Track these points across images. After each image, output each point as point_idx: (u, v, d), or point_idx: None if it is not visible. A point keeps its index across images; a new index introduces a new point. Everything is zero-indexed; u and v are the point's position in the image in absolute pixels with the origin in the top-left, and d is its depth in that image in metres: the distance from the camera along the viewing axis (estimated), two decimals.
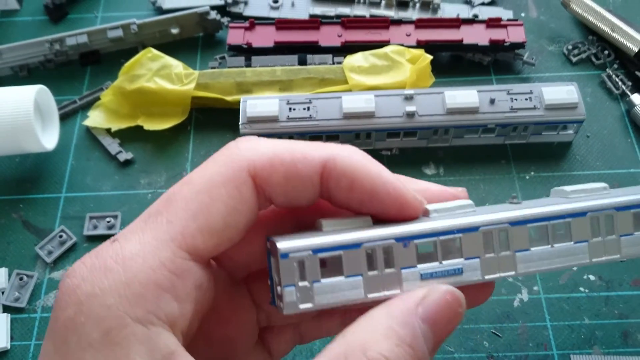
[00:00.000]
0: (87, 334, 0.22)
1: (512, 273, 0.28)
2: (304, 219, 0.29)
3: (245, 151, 0.26)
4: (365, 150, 0.49)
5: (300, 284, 0.25)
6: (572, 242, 0.29)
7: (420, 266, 0.26)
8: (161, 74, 0.51)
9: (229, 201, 0.25)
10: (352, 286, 0.26)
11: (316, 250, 0.25)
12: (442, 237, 0.27)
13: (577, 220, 0.28)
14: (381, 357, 0.24)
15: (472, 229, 0.27)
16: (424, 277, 0.26)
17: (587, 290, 0.43)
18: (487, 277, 0.27)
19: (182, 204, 0.25)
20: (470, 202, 0.28)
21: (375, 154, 0.50)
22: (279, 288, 0.25)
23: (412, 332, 0.25)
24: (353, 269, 0.25)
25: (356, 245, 0.25)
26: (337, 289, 0.25)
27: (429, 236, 0.26)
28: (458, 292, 0.26)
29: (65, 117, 0.53)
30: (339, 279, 0.25)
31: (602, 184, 0.31)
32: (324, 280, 0.25)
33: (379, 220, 0.27)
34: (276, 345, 0.31)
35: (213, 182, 0.25)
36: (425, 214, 0.27)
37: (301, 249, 0.25)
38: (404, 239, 0.26)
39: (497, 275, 0.27)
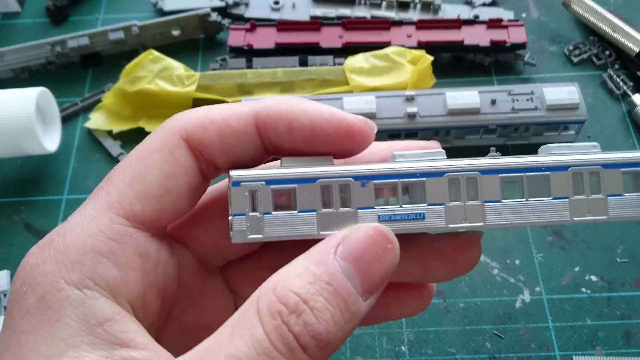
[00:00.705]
0: (25, 301, 0.23)
1: (481, 224, 0.25)
2: None
3: (178, 119, 0.26)
4: None
5: (251, 214, 0.24)
6: (550, 198, 0.26)
7: (378, 207, 0.25)
8: (162, 76, 0.51)
9: (163, 166, 0.25)
10: (305, 221, 0.25)
11: (269, 182, 0.24)
12: (403, 180, 0.25)
13: (558, 174, 0.26)
14: (289, 292, 0.23)
15: (437, 174, 0.25)
16: (382, 218, 0.25)
17: (589, 291, 0.43)
18: (451, 225, 0.25)
19: (119, 175, 0.25)
20: (441, 150, 0.27)
21: None
22: (230, 217, 0.24)
23: (328, 270, 0.23)
24: (307, 204, 0.25)
25: (311, 179, 0.25)
26: (288, 223, 0.25)
27: (389, 177, 0.25)
28: (384, 228, 0.25)
29: (66, 119, 0.53)
30: (292, 212, 0.25)
31: (593, 143, 0.27)
32: (276, 213, 0.24)
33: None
34: None
35: (147, 151, 0.25)
36: (392, 159, 0.26)
37: (254, 179, 0.24)
38: (363, 178, 0.25)
39: (463, 224, 0.25)
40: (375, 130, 0.26)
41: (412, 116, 0.47)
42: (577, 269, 0.44)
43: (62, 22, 0.59)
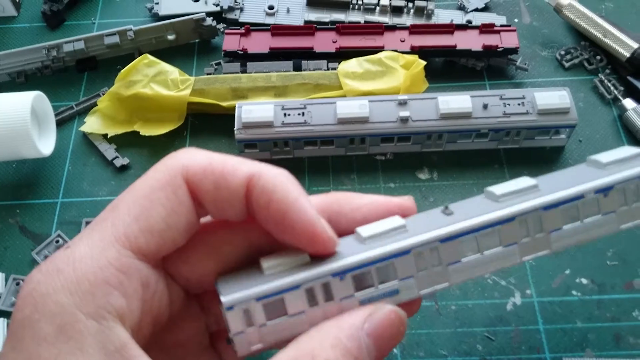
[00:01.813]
0: (41, 329, 0.24)
1: (446, 284, 0.29)
2: (253, 240, 0.30)
3: (182, 159, 0.28)
4: (359, 156, 0.50)
5: (248, 330, 0.27)
6: (501, 247, 0.30)
7: (357, 294, 0.28)
8: (157, 80, 0.51)
9: (167, 203, 0.27)
10: (297, 322, 0.28)
11: (259, 298, 0.27)
12: (376, 266, 0.28)
13: (506, 226, 0.29)
14: None
15: (404, 253, 0.28)
16: (363, 302, 0.28)
17: (579, 294, 0.43)
18: (422, 292, 0.29)
19: (125, 209, 0.27)
20: (401, 221, 0.29)
21: (370, 158, 0.50)
22: (230, 336, 0.27)
23: (357, 345, 0.27)
24: (296, 308, 0.27)
25: (296, 287, 0.27)
26: (283, 327, 0.27)
27: (363, 266, 0.28)
28: (401, 312, 0.28)
29: (62, 123, 0.53)
30: (284, 318, 0.27)
31: (532, 182, 0.31)
32: (270, 322, 0.27)
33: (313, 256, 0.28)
34: (227, 349, 0.32)
35: (152, 187, 0.27)
36: (360, 239, 0.29)
37: (245, 299, 0.27)
38: (340, 274, 0.28)
39: (431, 289, 0.29)
40: (335, 248, 0.28)
41: (404, 120, 0.48)
42: (567, 271, 0.44)
43: (58, 26, 0.60)
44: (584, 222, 0.31)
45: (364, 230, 0.29)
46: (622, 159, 0.33)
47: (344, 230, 0.30)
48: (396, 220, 0.29)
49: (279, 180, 0.28)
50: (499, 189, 0.31)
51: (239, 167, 0.27)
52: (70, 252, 0.26)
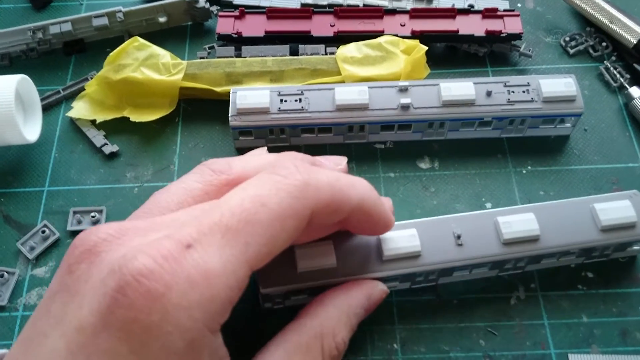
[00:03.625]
0: (172, 342, 0.24)
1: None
2: None
3: (313, 190, 0.30)
4: (358, 144, 0.48)
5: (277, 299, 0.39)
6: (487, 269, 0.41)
7: None
8: (148, 64, 0.49)
9: (292, 233, 0.29)
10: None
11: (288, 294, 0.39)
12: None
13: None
14: (342, 343, 0.34)
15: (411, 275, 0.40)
16: None
17: (585, 288, 0.42)
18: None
19: (259, 229, 0.27)
20: (418, 248, 0.39)
21: (369, 147, 0.48)
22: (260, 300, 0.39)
23: (357, 320, 0.36)
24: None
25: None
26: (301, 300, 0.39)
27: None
28: (387, 291, 0.38)
29: (48, 108, 0.51)
30: (304, 296, 0.39)
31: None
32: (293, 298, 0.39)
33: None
34: None
35: (286, 214, 0.28)
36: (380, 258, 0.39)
37: (277, 293, 0.38)
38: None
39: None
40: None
41: (405, 107, 0.46)
42: (572, 265, 0.43)
43: (44, 7, 0.57)
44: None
45: (387, 251, 0.38)
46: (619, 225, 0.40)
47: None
48: (415, 246, 0.39)
49: (373, 202, 0.34)
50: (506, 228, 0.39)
51: (350, 196, 0.32)
52: (200, 258, 0.25)
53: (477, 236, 0.40)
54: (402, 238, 0.39)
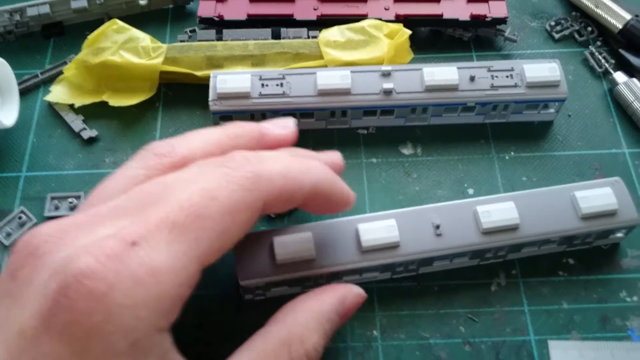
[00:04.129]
0: (114, 344, 0.23)
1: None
2: None
3: (265, 182, 0.29)
4: (340, 129, 0.48)
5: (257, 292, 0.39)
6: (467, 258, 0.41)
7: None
8: (127, 47, 0.48)
9: (244, 225, 0.28)
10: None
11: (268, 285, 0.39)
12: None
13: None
14: (313, 350, 0.31)
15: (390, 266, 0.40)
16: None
17: (566, 274, 0.42)
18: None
19: (210, 223, 0.27)
20: (397, 238, 0.38)
21: (351, 132, 0.48)
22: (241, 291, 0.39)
23: (331, 326, 0.33)
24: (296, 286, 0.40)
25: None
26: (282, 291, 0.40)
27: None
28: (364, 294, 0.36)
29: (26, 92, 0.50)
30: (284, 288, 0.39)
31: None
32: (274, 289, 0.39)
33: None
34: None
35: (237, 207, 0.28)
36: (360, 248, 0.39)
37: (257, 285, 0.38)
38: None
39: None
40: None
41: (388, 92, 0.45)
42: (554, 252, 0.42)
43: None
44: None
45: (365, 242, 0.38)
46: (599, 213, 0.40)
47: None
48: (394, 237, 0.38)
49: (331, 182, 0.34)
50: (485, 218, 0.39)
51: (304, 183, 0.31)
52: (146, 256, 0.24)
53: (456, 226, 0.39)
54: (380, 229, 0.39)
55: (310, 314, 0.32)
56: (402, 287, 0.41)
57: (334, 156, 0.38)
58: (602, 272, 0.42)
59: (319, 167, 0.33)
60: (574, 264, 0.42)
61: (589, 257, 0.42)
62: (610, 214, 0.40)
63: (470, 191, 0.45)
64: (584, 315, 0.40)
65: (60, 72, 0.50)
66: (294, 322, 0.32)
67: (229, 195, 0.27)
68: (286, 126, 0.38)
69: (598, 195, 0.40)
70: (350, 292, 0.35)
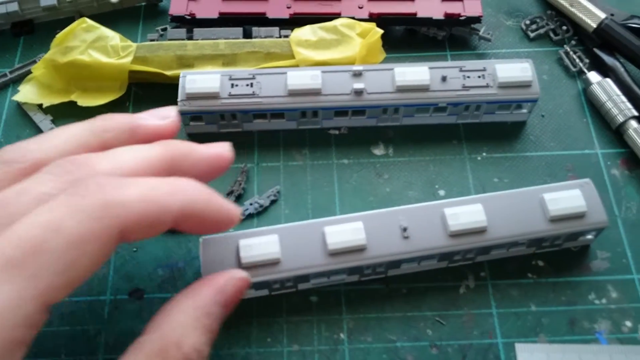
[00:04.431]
0: None
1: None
2: None
3: (119, 209, 0.27)
4: (312, 130, 0.47)
5: None
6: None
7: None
8: (96, 46, 0.48)
9: (96, 257, 0.26)
10: None
11: None
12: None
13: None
14: (193, 351, 0.29)
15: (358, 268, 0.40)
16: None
17: (535, 277, 0.42)
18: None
19: (50, 258, 0.24)
20: (364, 242, 0.38)
21: (323, 133, 0.47)
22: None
23: (213, 318, 0.31)
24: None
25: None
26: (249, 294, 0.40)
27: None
28: (247, 277, 0.34)
29: None
30: (251, 291, 0.40)
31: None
32: None
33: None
34: None
35: (85, 238, 0.25)
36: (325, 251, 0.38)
37: None
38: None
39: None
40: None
41: (359, 93, 0.45)
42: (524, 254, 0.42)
43: None
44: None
45: (331, 245, 0.38)
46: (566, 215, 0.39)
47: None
48: (360, 239, 0.38)
49: (204, 201, 0.31)
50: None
51: (169, 204, 0.29)
52: None
53: (423, 228, 0.39)
54: (347, 231, 0.38)
55: (186, 313, 0.30)
56: (370, 290, 0.41)
57: (220, 148, 0.35)
58: (571, 275, 0.42)
59: (190, 185, 0.31)
60: (543, 266, 0.42)
61: (558, 259, 0.42)
62: (579, 216, 0.40)
63: (442, 192, 0.45)
64: (552, 318, 0.40)
65: (30, 72, 0.50)
66: (169, 326, 0.29)
67: (74, 227, 0.25)
68: (166, 116, 0.35)
69: (567, 197, 0.40)
70: (230, 279, 0.33)
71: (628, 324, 0.40)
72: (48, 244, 0.24)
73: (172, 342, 0.28)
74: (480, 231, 0.39)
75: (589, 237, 0.41)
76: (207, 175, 0.34)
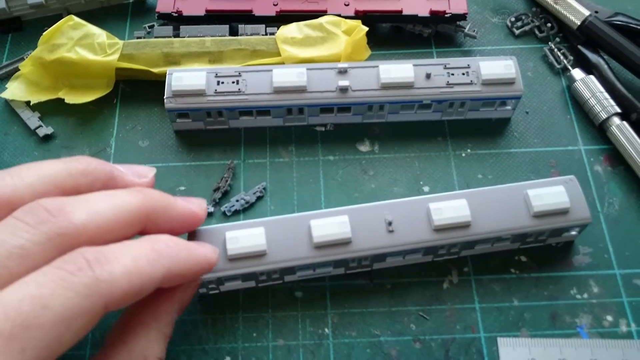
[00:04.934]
0: None
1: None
2: None
3: (106, 286, 0.27)
4: (298, 126, 0.48)
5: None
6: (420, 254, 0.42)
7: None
8: (83, 44, 0.48)
9: (81, 332, 0.27)
10: None
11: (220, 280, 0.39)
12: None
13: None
14: None
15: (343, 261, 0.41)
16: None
17: (517, 272, 0.42)
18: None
19: (39, 333, 0.25)
20: (349, 235, 0.39)
21: (309, 129, 0.48)
22: None
23: (172, 327, 0.33)
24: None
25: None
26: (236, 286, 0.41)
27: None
28: (197, 282, 0.36)
29: None
30: (238, 282, 0.41)
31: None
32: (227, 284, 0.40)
33: None
34: None
35: (73, 315, 0.26)
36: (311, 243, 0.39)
37: (209, 279, 0.39)
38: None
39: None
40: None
41: (344, 90, 0.45)
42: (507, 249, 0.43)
43: None
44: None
45: (317, 238, 0.38)
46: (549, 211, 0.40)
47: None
48: (345, 233, 0.38)
49: (183, 257, 0.32)
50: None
51: (154, 275, 0.29)
52: None
53: (408, 222, 0.39)
54: (333, 225, 0.39)
55: (149, 327, 0.32)
56: (354, 285, 0.41)
57: (196, 206, 0.36)
58: (553, 270, 0.42)
59: (169, 247, 0.31)
60: (526, 261, 0.42)
61: (541, 255, 0.43)
62: (562, 212, 0.40)
63: (426, 189, 0.45)
64: (534, 313, 0.41)
65: (17, 69, 0.50)
66: (134, 340, 0.31)
67: (63, 304, 0.25)
68: (143, 175, 0.36)
69: (550, 194, 0.40)
70: (186, 290, 0.35)
71: (609, 318, 0.40)
72: (37, 320, 0.25)
73: (140, 356, 0.30)
74: (465, 226, 0.39)
75: (573, 233, 0.42)
76: (179, 231, 0.35)
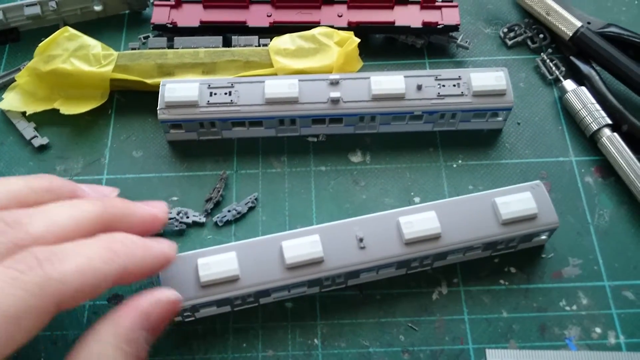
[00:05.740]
0: None
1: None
2: None
3: (57, 285, 0.27)
4: (290, 137, 0.48)
5: None
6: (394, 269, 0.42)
7: None
8: (78, 55, 0.48)
9: (31, 331, 0.26)
10: None
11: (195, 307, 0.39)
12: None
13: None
14: None
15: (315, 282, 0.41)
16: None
17: (507, 283, 0.42)
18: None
19: None
20: (320, 254, 0.39)
21: (301, 140, 0.48)
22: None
23: (136, 345, 0.30)
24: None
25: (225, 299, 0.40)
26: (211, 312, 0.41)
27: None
28: (178, 298, 0.34)
29: None
30: (213, 308, 0.41)
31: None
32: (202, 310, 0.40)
33: None
34: None
35: (21, 313, 0.26)
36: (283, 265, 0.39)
37: (183, 307, 0.38)
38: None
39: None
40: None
41: (335, 101, 0.46)
42: (496, 260, 0.43)
43: None
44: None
45: (289, 259, 0.38)
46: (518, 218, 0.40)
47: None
48: (317, 252, 0.38)
49: (139, 256, 0.32)
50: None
51: (107, 274, 0.29)
52: None
53: (379, 238, 0.40)
54: (304, 245, 0.39)
55: (104, 342, 0.29)
56: (344, 296, 0.42)
57: (156, 210, 0.36)
58: (543, 281, 0.42)
59: (124, 246, 0.31)
60: (516, 272, 0.43)
61: (530, 266, 0.43)
62: (530, 218, 0.40)
63: (417, 199, 0.45)
64: (523, 324, 0.41)
65: (14, 79, 0.50)
66: (85, 358, 0.29)
67: (13, 303, 0.25)
68: (105, 195, 0.36)
69: (518, 201, 0.41)
70: (157, 303, 0.32)
71: (598, 330, 0.40)
72: None
73: None
74: (435, 238, 0.40)
75: (543, 237, 0.42)
76: (141, 235, 0.34)
